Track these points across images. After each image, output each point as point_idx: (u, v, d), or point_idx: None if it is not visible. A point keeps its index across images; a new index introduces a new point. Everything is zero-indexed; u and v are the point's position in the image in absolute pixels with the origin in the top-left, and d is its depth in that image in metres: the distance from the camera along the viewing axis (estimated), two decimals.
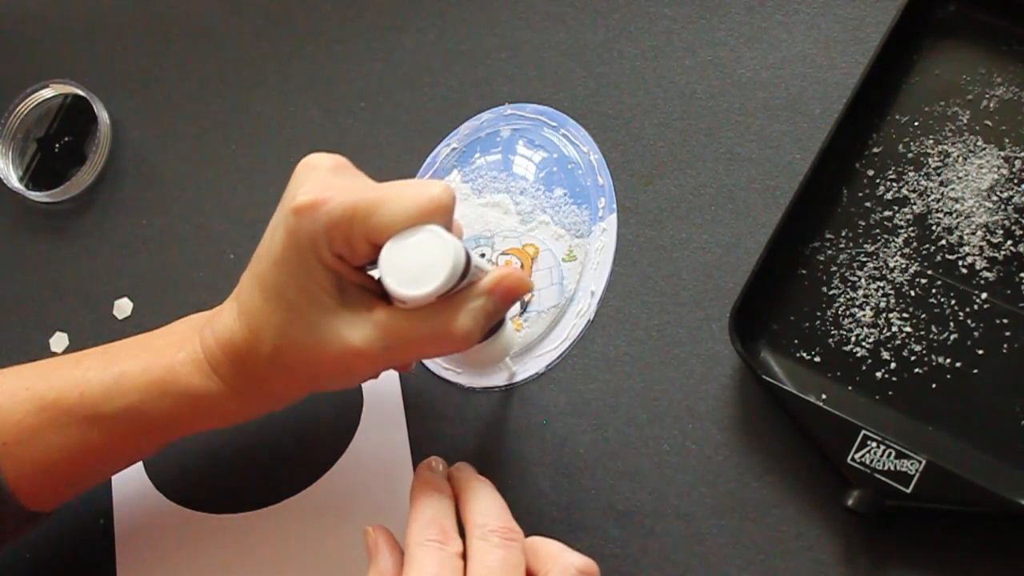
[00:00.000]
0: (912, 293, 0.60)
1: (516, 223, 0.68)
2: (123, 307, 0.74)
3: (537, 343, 0.66)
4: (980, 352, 0.58)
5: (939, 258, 0.60)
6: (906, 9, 0.62)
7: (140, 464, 0.68)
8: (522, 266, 0.67)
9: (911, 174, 0.62)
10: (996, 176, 0.60)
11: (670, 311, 0.64)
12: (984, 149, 0.61)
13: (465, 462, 0.59)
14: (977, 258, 0.59)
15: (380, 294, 0.54)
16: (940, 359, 0.58)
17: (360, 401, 0.67)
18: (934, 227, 0.60)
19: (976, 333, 0.58)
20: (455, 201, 0.53)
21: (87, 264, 0.76)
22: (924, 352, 0.58)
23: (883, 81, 0.63)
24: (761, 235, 0.63)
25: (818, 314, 0.61)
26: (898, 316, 0.59)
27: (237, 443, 0.68)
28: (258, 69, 0.78)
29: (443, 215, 0.52)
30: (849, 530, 0.58)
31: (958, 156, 0.61)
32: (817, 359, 0.60)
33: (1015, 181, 0.60)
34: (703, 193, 0.66)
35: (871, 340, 0.59)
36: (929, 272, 0.60)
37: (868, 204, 0.62)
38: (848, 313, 0.60)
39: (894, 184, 0.62)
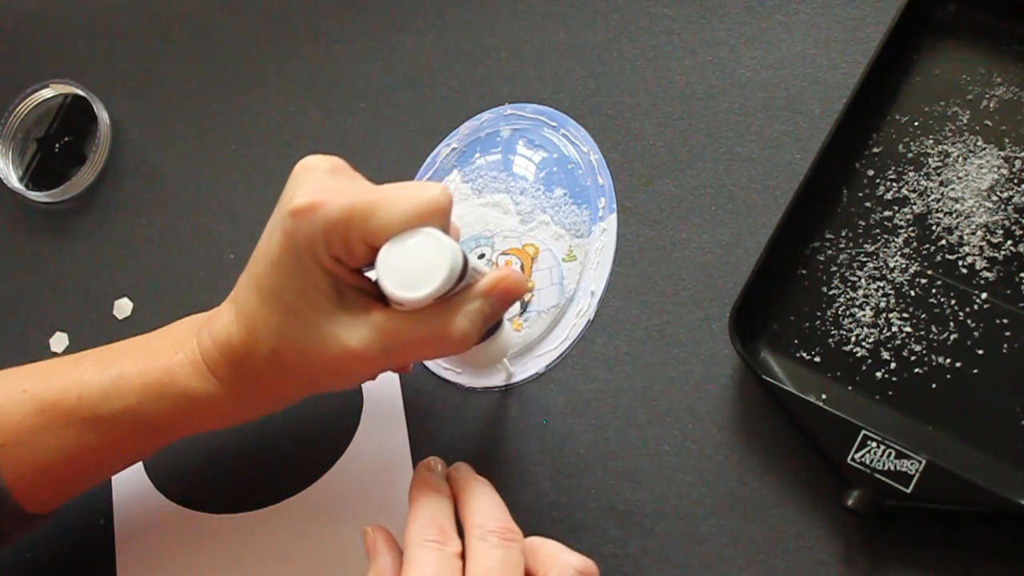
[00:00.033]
0: (912, 293, 0.60)
1: (516, 223, 0.68)
2: (123, 307, 0.74)
3: (537, 343, 0.66)
4: (980, 352, 0.58)
5: (939, 258, 0.60)
6: (906, 9, 0.62)
7: (140, 464, 0.68)
8: (522, 266, 0.67)
9: (911, 174, 0.62)
10: (996, 176, 0.60)
11: (670, 311, 0.64)
12: (984, 149, 0.61)
13: (464, 462, 0.59)
14: (977, 258, 0.59)
15: (377, 296, 0.54)
16: (940, 359, 0.58)
17: (360, 401, 0.67)
18: (934, 227, 0.60)
19: (976, 333, 0.58)
20: (452, 203, 0.53)
21: (87, 264, 0.76)
22: (924, 352, 0.58)
23: (883, 81, 0.62)
24: (761, 235, 0.62)
25: (818, 314, 0.60)
26: (898, 316, 0.59)
27: (237, 443, 0.68)
28: (258, 69, 0.78)
29: (440, 217, 0.52)
30: (849, 530, 0.58)
31: (958, 156, 0.61)
32: (817, 359, 0.60)
33: (1015, 181, 0.60)
34: (703, 193, 0.65)
35: (871, 340, 0.59)
36: (929, 272, 0.60)
37: (868, 204, 0.62)
38: (848, 313, 0.60)
39: (894, 184, 0.62)
